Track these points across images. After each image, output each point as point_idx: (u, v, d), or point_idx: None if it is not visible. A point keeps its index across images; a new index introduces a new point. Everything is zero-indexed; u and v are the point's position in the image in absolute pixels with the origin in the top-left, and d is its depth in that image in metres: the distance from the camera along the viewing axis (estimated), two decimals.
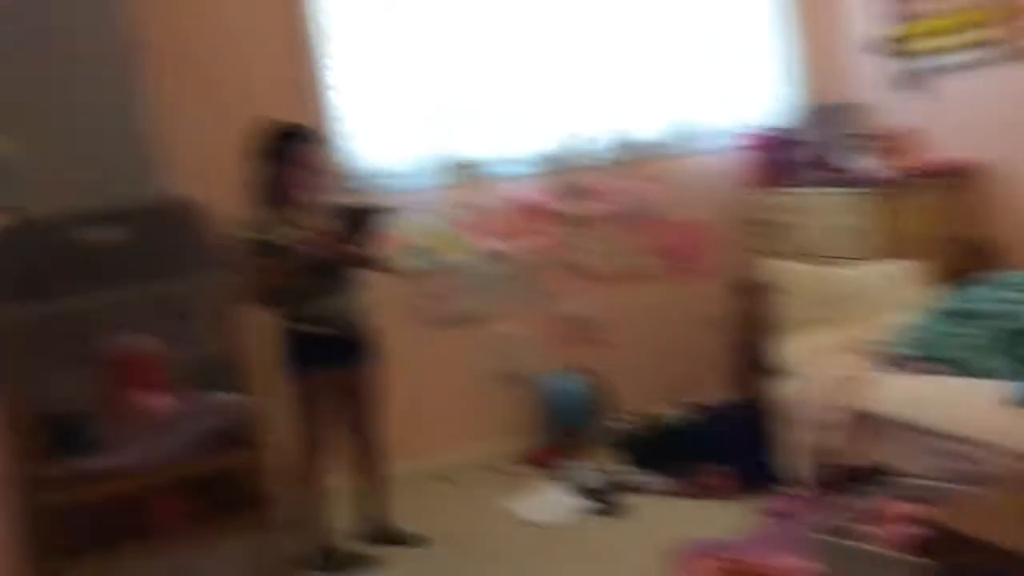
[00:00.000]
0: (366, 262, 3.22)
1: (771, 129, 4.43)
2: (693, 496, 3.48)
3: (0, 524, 1.79)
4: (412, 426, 3.94)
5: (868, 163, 4.08)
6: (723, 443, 3.64)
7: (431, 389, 4.07)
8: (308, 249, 3.03)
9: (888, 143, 4.21)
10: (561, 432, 4.14)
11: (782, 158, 4.42)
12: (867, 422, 3.04)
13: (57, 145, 2.88)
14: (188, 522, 2.13)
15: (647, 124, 4.33)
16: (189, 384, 2.55)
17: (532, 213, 4.21)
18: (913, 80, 4.13)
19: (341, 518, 3.37)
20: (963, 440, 2.67)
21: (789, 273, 3.62)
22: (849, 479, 2.99)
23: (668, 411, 4.19)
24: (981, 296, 3.20)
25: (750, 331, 3.69)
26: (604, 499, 3.50)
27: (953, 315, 3.17)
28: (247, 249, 2.99)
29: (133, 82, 2.93)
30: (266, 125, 3.12)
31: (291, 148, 3.09)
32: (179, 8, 3.62)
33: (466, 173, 4.08)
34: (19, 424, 1.98)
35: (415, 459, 3.95)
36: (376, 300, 3.35)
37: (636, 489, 3.60)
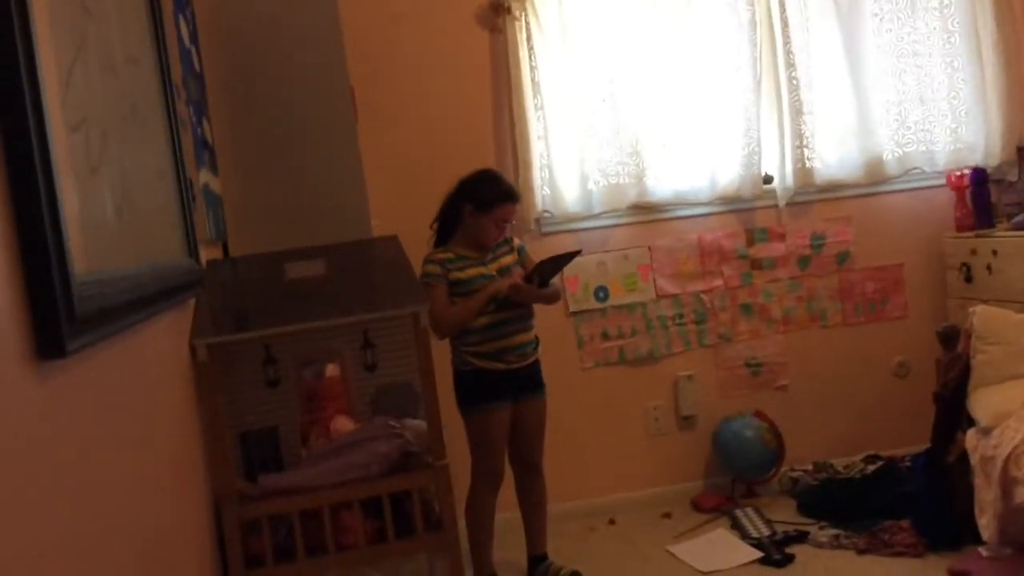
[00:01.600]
0: (547, 300, 3.32)
1: (976, 169, 4.18)
2: (872, 552, 3.32)
3: (201, 535, 1.99)
4: (577, 464, 3.99)
5: None
6: (907, 498, 3.46)
7: (600, 427, 4.10)
8: (495, 288, 3.16)
9: None
10: (732, 478, 4.06)
11: (987, 200, 4.18)
12: None
13: (275, 184, 3.11)
14: (367, 540, 2.26)
15: (838, 161, 4.19)
16: (377, 408, 2.73)
17: (711, 254, 4.18)
18: None
19: (503, 550, 3.44)
20: None
21: (993, 320, 3.41)
22: None
23: (847, 461, 4.03)
24: None
25: (942, 380, 3.49)
26: (773, 550, 3.40)
27: None
28: (438, 287, 3.16)
29: (349, 127, 3.10)
30: (476, 173, 3.28)
31: (499, 204, 3.20)
32: (386, 54, 3.87)
33: (647, 214, 4.12)
34: (217, 442, 2.19)
35: (579, 498, 4.00)
36: (552, 337, 3.43)
37: (810, 542, 3.48)
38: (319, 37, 3.17)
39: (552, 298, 3.36)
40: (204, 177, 2.57)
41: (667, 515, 3.95)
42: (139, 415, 1.55)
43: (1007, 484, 3.00)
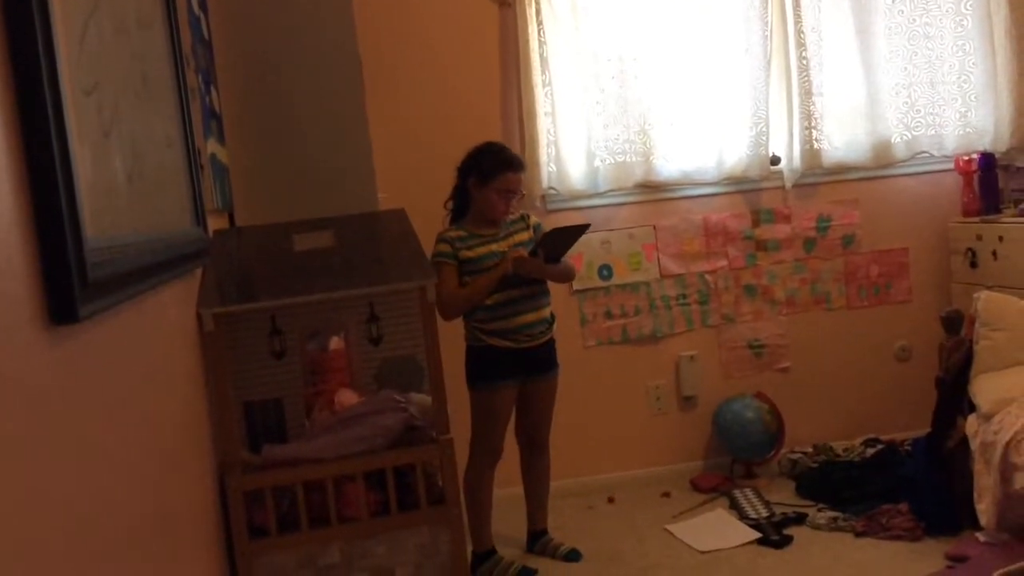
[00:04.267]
0: (556, 278, 3.30)
1: (984, 154, 4.16)
2: (870, 535, 3.33)
3: (206, 503, 1.99)
4: (579, 442, 4.00)
5: None
6: (905, 482, 3.48)
7: (601, 406, 4.11)
8: (505, 265, 3.13)
9: None
10: (732, 459, 4.08)
11: (994, 186, 4.16)
12: None
13: (282, 156, 3.09)
14: (370, 513, 2.27)
15: (846, 144, 4.16)
16: (382, 382, 2.73)
17: (716, 235, 4.17)
18: None
19: (503, 526, 3.45)
20: None
21: (996, 305, 3.40)
22: None
23: (846, 444, 4.05)
24: None
25: (944, 365, 3.49)
26: (773, 531, 3.41)
27: None
28: (447, 267, 3.14)
29: (353, 99, 3.08)
30: (478, 146, 3.25)
31: (498, 173, 3.18)
32: (394, 30, 3.84)
33: (653, 193, 4.11)
34: (223, 411, 2.19)
35: (579, 475, 4.01)
36: (558, 315, 3.42)
37: (808, 524, 3.49)
38: (329, 8, 3.14)
39: (565, 275, 3.34)
40: (211, 147, 2.56)
41: (666, 494, 3.96)
42: (148, 382, 1.55)
43: (1007, 470, 3.00)
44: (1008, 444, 3.00)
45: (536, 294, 3.24)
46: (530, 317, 3.22)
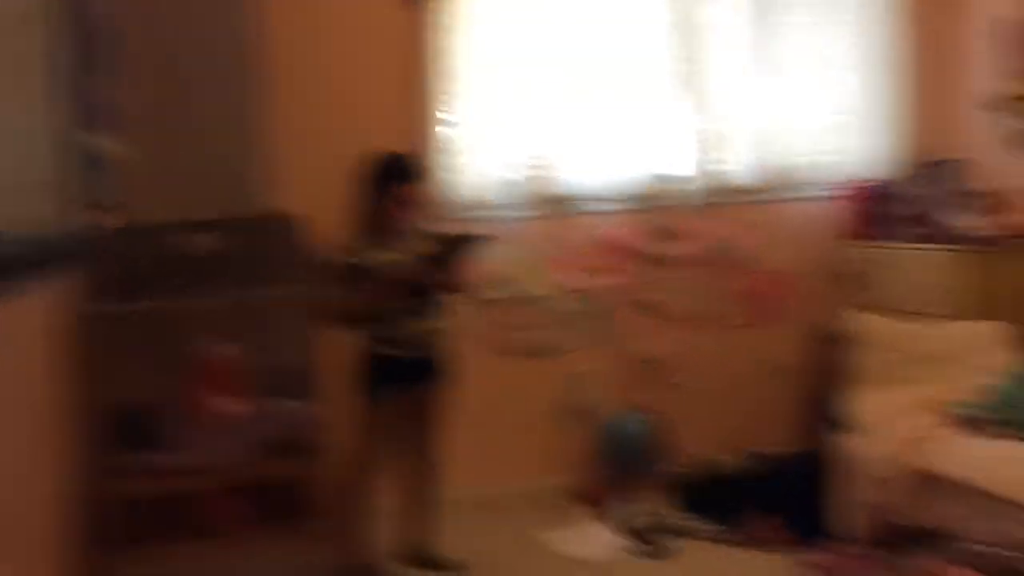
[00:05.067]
0: (453, 288, 3.30)
1: (872, 181, 4.34)
2: (741, 545, 3.45)
3: (57, 509, 1.95)
4: (468, 453, 3.98)
5: (969, 221, 3.97)
6: (778, 494, 3.60)
7: (491, 417, 4.10)
8: (399, 274, 3.11)
9: (993, 202, 4.09)
10: (617, 470, 4.13)
11: (881, 211, 4.33)
12: (931, 483, 2.97)
13: (173, 152, 3.02)
14: (241, 524, 2.24)
15: (743, 167, 4.30)
16: (262, 390, 2.70)
17: (617, 251, 4.24)
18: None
19: (384, 538, 3.41)
20: None
21: (873, 327, 3.56)
22: (905, 539, 2.92)
23: (728, 458, 4.15)
24: None
25: (823, 383, 3.62)
26: (649, 540, 3.49)
27: None
28: (340, 271, 3.09)
29: (251, 98, 3.04)
30: (374, 155, 3.23)
31: (396, 182, 3.18)
32: (297, 30, 3.76)
33: (557, 207, 4.15)
34: (93, 414, 2.15)
35: (466, 486, 4.00)
36: (455, 326, 3.43)
37: (684, 533, 3.58)
38: (232, 6, 3.10)
39: (457, 285, 3.32)
40: (98, 140, 2.50)
41: (553, 505, 3.99)
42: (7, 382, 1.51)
43: (874, 484, 3.14)
44: (878, 459, 3.13)
45: (429, 303, 3.25)
46: (422, 326, 3.23)
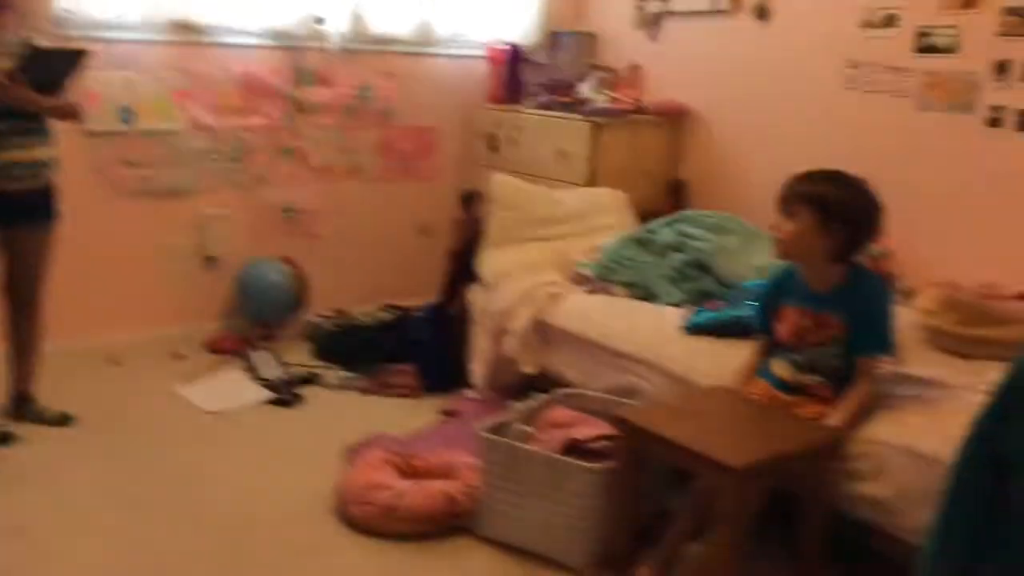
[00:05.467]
0: (53, 111, 2.88)
1: (513, 46, 4.44)
2: (375, 393, 3.51)
3: None
4: (82, 299, 3.62)
5: (597, 93, 4.23)
6: (413, 345, 3.71)
7: (112, 262, 3.76)
8: None
9: (619, 77, 4.39)
10: (252, 321, 4.01)
11: (518, 77, 4.47)
12: (549, 335, 3.18)
13: None
14: None
15: (392, 17, 4.18)
16: None
17: (255, 90, 3.96)
18: (650, 20, 4.31)
19: None
20: (637, 360, 2.85)
21: (507, 188, 3.67)
22: (524, 386, 3.14)
23: (366, 310, 4.19)
24: (668, 230, 3.44)
25: (462, 240, 3.72)
26: (285, 391, 3.43)
27: (641, 244, 3.38)
28: None
29: None
30: None
31: None
32: None
33: (189, 35, 3.74)
34: None
35: (81, 335, 3.65)
36: (63, 157, 3.02)
37: (320, 383, 3.57)
38: None
39: (66, 111, 2.91)
40: None
41: (180, 356, 3.78)
42: None
43: (499, 335, 3.32)
44: (503, 312, 3.30)
45: (29, 130, 2.84)
46: (19, 155, 2.82)
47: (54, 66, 2.80)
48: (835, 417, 2.24)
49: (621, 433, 2.29)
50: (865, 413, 2.27)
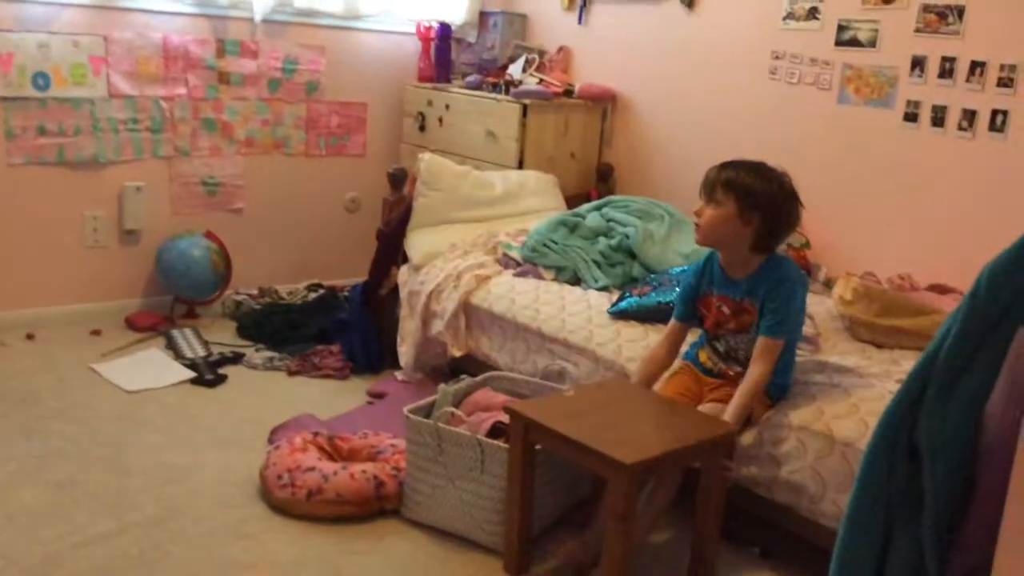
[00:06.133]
0: None
1: (442, 24, 4.40)
2: (301, 374, 3.46)
3: None
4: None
5: (527, 75, 4.22)
6: (340, 325, 3.67)
7: (26, 233, 3.64)
8: None
9: (549, 60, 4.39)
10: (174, 298, 3.92)
11: (448, 56, 4.44)
12: (477, 317, 3.19)
13: None
14: None
15: None
16: None
17: (176, 59, 3.85)
18: (579, 2, 4.31)
19: None
20: (564, 344, 2.87)
21: (435, 168, 3.65)
22: (452, 369, 3.14)
23: (292, 289, 4.13)
24: (595, 214, 3.48)
25: (391, 220, 3.69)
26: (207, 370, 3.36)
27: (570, 228, 3.41)
28: None
29: None
30: None
31: None
32: None
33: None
34: None
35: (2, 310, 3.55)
36: None
37: (244, 363, 3.51)
38: None
39: None
40: None
41: (97, 332, 3.68)
42: None
43: (427, 317, 3.32)
44: (431, 294, 3.30)
45: None
46: None
47: None
48: (728, 414, 2.27)
49: (514, 428, 2.25)
50: (758, 397, 2.32)
